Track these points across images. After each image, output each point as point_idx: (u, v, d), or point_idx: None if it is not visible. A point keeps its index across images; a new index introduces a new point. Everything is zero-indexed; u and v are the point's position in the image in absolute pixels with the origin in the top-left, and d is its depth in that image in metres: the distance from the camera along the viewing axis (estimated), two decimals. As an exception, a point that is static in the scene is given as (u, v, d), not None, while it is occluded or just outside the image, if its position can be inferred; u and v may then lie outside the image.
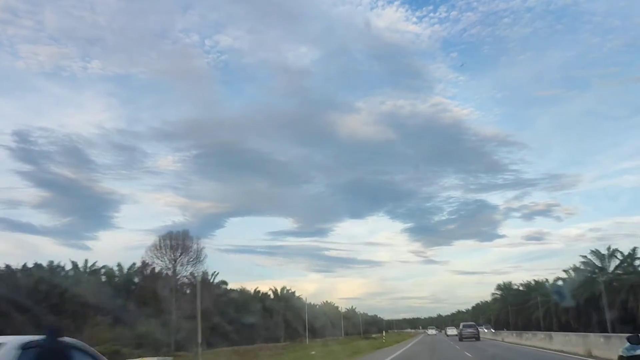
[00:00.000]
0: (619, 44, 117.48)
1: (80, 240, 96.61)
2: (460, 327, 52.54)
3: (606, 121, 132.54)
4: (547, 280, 75.81)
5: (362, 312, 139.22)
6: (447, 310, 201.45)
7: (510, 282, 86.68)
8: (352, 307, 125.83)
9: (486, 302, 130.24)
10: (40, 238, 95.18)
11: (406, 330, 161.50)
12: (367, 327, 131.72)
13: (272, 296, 78.73)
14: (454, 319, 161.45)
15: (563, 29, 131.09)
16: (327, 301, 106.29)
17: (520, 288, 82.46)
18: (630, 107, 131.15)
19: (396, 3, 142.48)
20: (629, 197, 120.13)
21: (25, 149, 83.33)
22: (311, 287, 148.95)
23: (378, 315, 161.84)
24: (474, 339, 45.49)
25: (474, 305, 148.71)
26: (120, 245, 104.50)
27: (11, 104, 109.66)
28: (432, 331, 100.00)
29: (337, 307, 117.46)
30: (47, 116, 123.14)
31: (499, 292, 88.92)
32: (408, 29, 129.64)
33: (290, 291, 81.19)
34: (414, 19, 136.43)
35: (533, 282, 78.85)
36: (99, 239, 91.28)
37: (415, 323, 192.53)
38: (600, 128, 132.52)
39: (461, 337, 47.40)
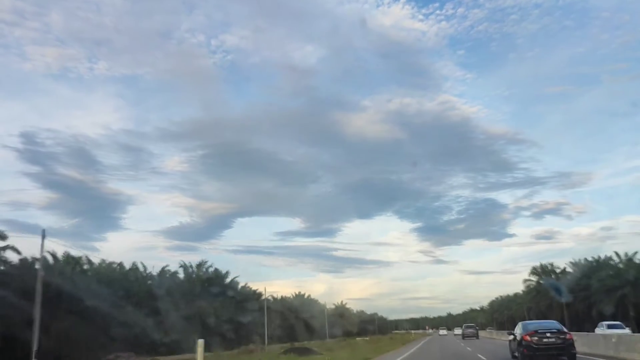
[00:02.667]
0: (628, 39, 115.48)
1: (89, 241, 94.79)
2: (463, 327, 61.69)
3: (616, 118, 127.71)
4: (616, 254, 51.76)
5: (357, 311, 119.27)
6: (457, 309, 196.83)
7: (552, 264, 62.93)
8: (341, 302, 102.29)
9: (508, 296, 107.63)
10: (48, 240, 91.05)
11: (402, 332, 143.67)
12: (364, 327, 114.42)
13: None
14: (466, 317, 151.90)
15: (572, 25, 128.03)
16: (301, 294, 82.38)
17: (569, 269, 58.53)
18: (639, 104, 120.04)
19: (402, 0, 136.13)
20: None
21: (33, 151, 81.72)
22: (320, 287, 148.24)
23: (378, 314, 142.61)
24: (474, 338, 53.75)
25: (492, 299, 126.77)
26: (128, 246, 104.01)
27: (18, 105, 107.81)
28: (443, 332, 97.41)
29: (323, 305, 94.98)
30: (53, 118, 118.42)
31: (534, 279, 65.08)
32: (414, 26, 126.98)
33: (225, 274, 55.70)
34: (420, 17, 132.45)
35: (590, 261, 54.59)
36: (107, 240, 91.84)
37: (423, 323, 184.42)
38: (611, 125, 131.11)
39: (464, 336, 55.64)
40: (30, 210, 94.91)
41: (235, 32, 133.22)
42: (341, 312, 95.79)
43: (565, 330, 17.89)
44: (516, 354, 18.82)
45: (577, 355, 17.40)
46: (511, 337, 20.72)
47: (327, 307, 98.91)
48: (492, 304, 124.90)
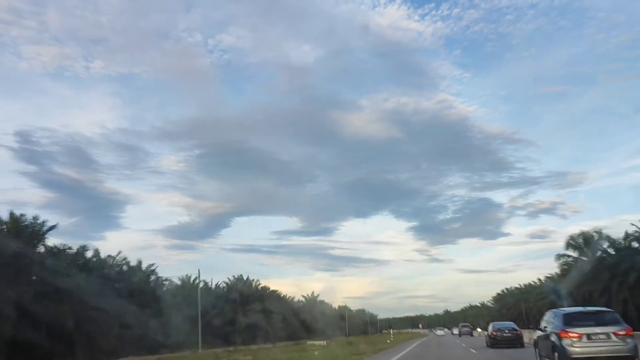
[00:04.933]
0: (624, 39, 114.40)
1: (87, 240, 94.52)
2: (459, 327, 72.79)
3: (612, 118, 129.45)
4: None
5: (338, 306, 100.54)
6: (454, 307, 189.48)
7: (600, 231, 42.51)
8: (312, 293, 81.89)
9: (519, 288, 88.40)
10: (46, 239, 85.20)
11: (393, 332, 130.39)
12: (348, 326, 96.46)
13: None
14: (466, 315, 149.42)
15: (567, 25, 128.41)
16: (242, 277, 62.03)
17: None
18: (636, 104, 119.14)
19: (398, 1, 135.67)
20: (635, 194, 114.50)
21: (28, 150, 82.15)
22: (317, 286, 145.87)
23: (367, 310, 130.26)
24: (469, 335, 62.43)
25: (498, 293, 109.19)
26: (127, 245, 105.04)
27: (13, 104, 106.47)
28: (440, 332, 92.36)
29: (294, 300, 75.53)
30: (49, 116, 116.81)
31: (573, 255, 44.52)
32: (410, 26, 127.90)
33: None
34: (416, 17, 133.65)
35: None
36: (105, 240, 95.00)
37: (418, 321, 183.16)
38: (607, 125, 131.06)
39: (460, 334, 65.44)
40: (27, 209, 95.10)
41: (232, 31, 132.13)
42: (311, 307, 75.38)
43: (517, 328, 29.88)
44: (488, 344, 30.15)
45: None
46: (485, 333, 34.79)
47: (295, 301, 79.48)
48: (499, 298, 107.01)
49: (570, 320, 13.08)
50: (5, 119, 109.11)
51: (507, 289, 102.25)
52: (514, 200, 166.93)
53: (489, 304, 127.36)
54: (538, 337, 15.55)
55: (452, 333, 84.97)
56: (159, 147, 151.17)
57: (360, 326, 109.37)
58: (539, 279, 76.57)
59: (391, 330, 47.78)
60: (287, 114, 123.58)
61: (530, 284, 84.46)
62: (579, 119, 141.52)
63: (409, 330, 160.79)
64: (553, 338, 13.16)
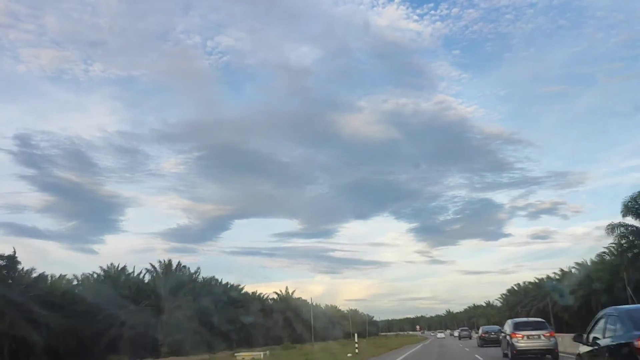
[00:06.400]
0: (623, 38, 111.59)
1: (87, 244, 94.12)
2: (459, 330, 74.45)
3: (612, 118, 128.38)
4: None
5: (324, 306, 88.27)
6: (457, 309, 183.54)
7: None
8: (286, 289, 68.65)
9: (534, 282, 76.10)
10: (46, 242, 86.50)
11: (390, 334, 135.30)
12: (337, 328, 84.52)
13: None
14: (470, 315, 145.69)
15: (566, 24, 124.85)
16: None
17: None
18: (636, 103, 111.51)
19: (396, 1, 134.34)
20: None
21: (28, 153, 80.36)
22: (318, 288, 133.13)
23: (359, 311, 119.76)
24: (467, 338, 63.01)
25: (508, 289, 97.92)
26: (126, 248, 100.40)
27: (12, 108, 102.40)
28: (440, 334, 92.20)
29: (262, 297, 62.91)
30: (49, 119, 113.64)
31: (635, 224, 31.16)
32: (409, 27, 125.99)
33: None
34: (415, 17, 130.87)
35: None
36: (105, 243, 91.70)
37: (419, 323, 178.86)
38: (606, 125, 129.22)
39: (460, 337, 66.50)
40: (27, 213, 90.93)
41: (230, 33, 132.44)
42: (285, 307, 62.00)
43: (501, 330, 29.85)
44: (479, 344, 35.76)
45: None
46: (476, 335, 42.82)
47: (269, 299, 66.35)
48: (509, 296, 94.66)
49: (518, 326, 20.27)
50: (4, 123, 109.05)
51: (519, 284, 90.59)
52: (514, 200, 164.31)
53: (497, 302, 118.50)
54: (502, 337, 24.15)
55: (452, 335, 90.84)
56: (158, 150, 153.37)
57: (354, 328, 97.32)
58: (562, 270, 64.08)
59: (356, 336, 33.70)
60: (286, 115, 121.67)
61: (547, 277, 72.29)
62: (578, 118, 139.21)
63: (403, 333, 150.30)
64: (508, 338, 20.50)
